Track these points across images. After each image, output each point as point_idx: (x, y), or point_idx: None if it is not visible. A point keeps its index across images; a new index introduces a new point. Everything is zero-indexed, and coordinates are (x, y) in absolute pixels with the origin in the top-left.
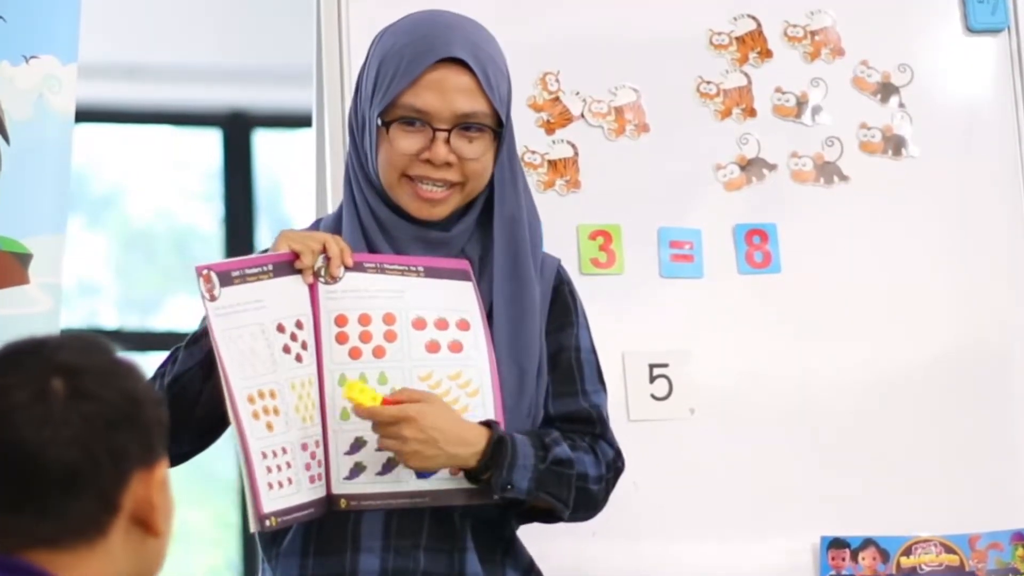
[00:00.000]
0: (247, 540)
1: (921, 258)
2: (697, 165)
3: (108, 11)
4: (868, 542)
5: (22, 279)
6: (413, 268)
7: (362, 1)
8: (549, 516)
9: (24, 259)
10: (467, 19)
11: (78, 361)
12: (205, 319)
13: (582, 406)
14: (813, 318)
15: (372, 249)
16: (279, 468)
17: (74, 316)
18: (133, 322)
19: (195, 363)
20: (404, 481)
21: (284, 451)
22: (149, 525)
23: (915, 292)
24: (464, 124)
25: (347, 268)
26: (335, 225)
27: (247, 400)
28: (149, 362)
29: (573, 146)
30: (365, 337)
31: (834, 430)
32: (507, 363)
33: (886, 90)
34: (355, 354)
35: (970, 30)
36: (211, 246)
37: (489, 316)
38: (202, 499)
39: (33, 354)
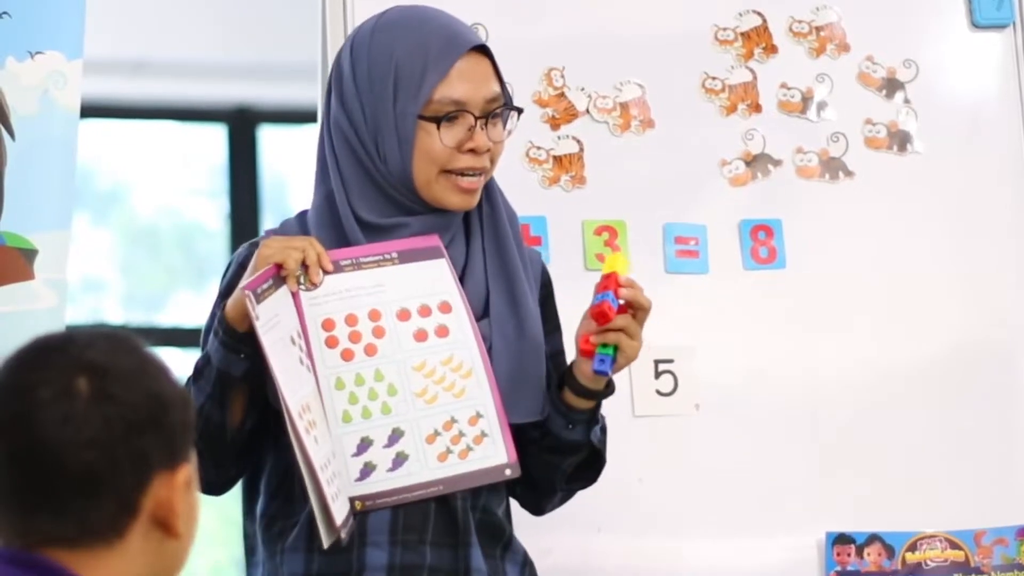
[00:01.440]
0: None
1: (926, 254)
2: (702, 161)
3: (113, 7)
4: (873, 538)
5: (27, 275)
6: (388, 256)
7: None
8: (587, 473)
9: (29, 255)
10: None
11: (105, 360)
12: (216, 338)
13: None
14: (819, 314)
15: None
16: (330, 481)
17: (79, 312)
18: (138, 318)
19: (206, 397)
20: (416, 473)
21: (328, 463)
22: (169, 527)
23: (920, 288)
24: (493, 110)
25: (326, 272)
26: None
27: (299, 415)
28: None
29: (578, 142)
30: (355, 337)
31: (840, 426)
32: (504, 332)
33: (891, 86)
34: (347, 356)
35: (975, 26)
36: (216, 242)
37: (486, 299)
38: (207, 497)
39: (61, 350)
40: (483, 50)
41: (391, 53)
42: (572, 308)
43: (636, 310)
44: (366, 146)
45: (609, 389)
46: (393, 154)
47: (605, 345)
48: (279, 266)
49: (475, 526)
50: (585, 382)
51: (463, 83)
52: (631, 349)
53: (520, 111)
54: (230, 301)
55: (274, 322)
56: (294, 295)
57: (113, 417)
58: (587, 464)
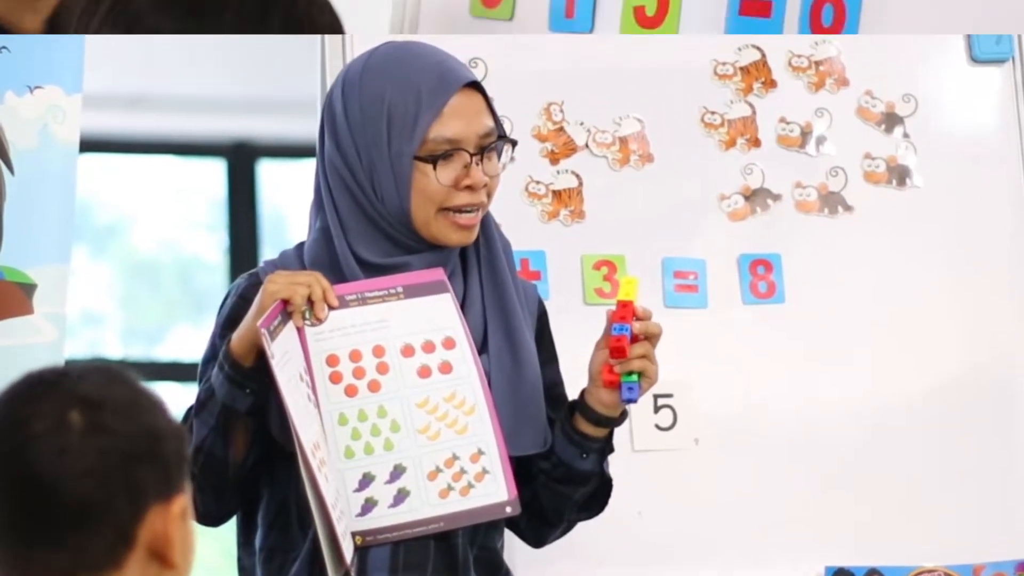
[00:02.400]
0: None
1: (925, 288)
2: (701, 195)
3: (112, 41)
4: (872, 572)
5: (26, 309)
6: (393, 291)
7: (366, 31)
8: (597, 502)
9: (29, 289)
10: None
11: (98, 393)
12: (222, 377)
13: None
14: (818, 348)
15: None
16: (339, 519)
17: (78, 346)
18: (137, 352)
19: (210, 430)
20: (417, 509)
21: (337, 500)
22: (165, 558)
23: (919, 322)
24: (487, 144)
25: (331, 307)
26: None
27: (312, 453)
28: None
29: (577, 176)
30: (359, 373)
31: (839, 460)
32: (502, 365)
33: (890, 120)
34: (351, 391)
35: (974, 60)
36: (216, 276)
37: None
38: (207, 528)
39: (54, 384)
40: (474, 85)
41: (383, 94)
42: (572, 342)
43: (648, 337)
44: (362, 186)
45: (623, 416)
46: (390, 194)
47: (629, 373)
48: (285, 302)
49: (473, 562)
50: (603, 410)
51: (457, 121)
52: (654, 374)
53: (514, 143)
54: (236, 336)
55: (286, 359)
56: (299, 331)
57: (108, 449)
58: (597, 493)
